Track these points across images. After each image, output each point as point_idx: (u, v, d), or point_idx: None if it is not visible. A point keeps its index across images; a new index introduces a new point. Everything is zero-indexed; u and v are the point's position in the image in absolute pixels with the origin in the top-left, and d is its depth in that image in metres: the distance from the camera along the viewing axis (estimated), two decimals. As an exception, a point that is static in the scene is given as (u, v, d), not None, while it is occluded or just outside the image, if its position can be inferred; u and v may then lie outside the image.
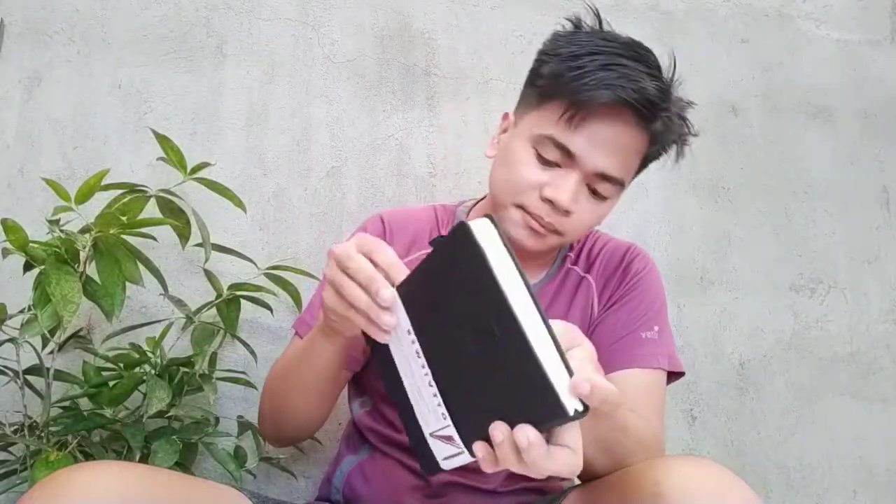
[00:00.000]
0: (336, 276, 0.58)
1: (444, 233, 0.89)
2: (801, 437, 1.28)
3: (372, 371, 0.86)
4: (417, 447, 0.55)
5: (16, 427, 0.92)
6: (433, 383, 0.52)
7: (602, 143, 0.74)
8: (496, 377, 0.47)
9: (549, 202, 0.75)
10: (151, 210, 1.01)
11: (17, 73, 1.18)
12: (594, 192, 0.77)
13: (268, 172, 1.22)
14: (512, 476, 0.84)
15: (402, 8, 1.30)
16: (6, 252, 0.89)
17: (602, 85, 0.71)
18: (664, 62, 0.77)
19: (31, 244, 0.89)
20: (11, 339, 0.90)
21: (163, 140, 1.02)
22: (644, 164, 0.81)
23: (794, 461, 1.27)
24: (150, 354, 0.98)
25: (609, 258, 0.89)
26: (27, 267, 0.92)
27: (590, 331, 0.85)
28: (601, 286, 0.87)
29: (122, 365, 0.96)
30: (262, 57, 1.25)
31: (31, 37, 1.19)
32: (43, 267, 0.86)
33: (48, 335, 0.90)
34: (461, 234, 0.48)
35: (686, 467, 0.59)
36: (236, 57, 1.24)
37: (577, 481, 0.74)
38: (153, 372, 0.96)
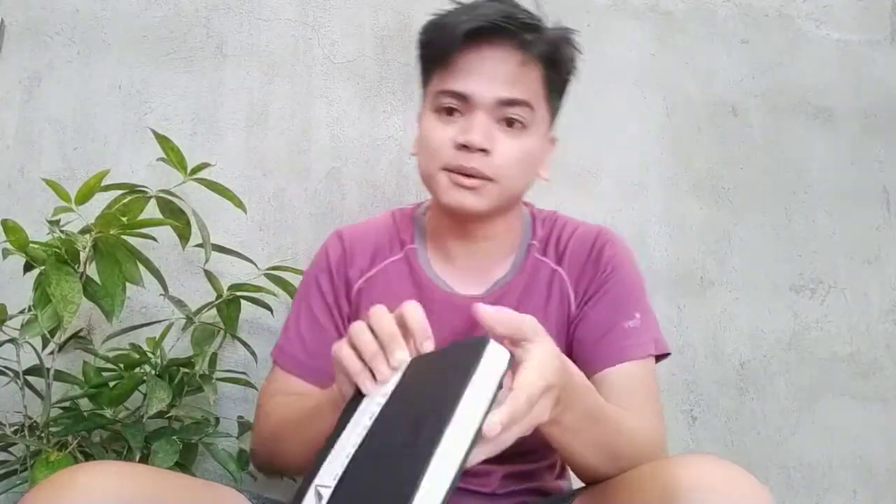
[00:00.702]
0: (357, 325, 0.57)
1: (403, 237, 0.90)
2: (801, 437, 1.28)
3: None
4: (298, 492, 0.54)
5: (16, 427, 0.92)
6: (354, 446, 0.52)
7: (487, 72, 0.76)
8: (388, 469, 0.47)
9: (465, 147, 0.76)
10: (151, 210, 1.01)
11: (17, 74, 1.18)
12: (509, 124, 0.78)
13: (268, 173, 1.22)
14: (508, 478, 0.84)
15: (402, 8, 1.30)
16: (6, 252, 0.89)
17: (463, 21, 0.75)
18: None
19: (31, 245, 0.89)
20: (11, 340, 0.90)
21: (163, 140, 1.02)
22: (552, 90, 0.81)
23: (794, 461, 1.27)
24: (150, 355, 0.98)
25: (579, 247, 0.86)
26: (27, 267, 0.92)
27: (570, 328, 0.84)
28: (575, 279, 0.85)
29: (122, 365, 0.96)
30: (262, 57, 1.25)
31: (31, 37, 1.19)
32: (43, 267, 0.87)
33: (48, 335, 0.90)
34: (476, 345, 0.50)
35: (693, 466, 0.58)
36: (236, 57, 1.24)
37: (581, 483, 0.74)
38: (153, 372, 0.96)
